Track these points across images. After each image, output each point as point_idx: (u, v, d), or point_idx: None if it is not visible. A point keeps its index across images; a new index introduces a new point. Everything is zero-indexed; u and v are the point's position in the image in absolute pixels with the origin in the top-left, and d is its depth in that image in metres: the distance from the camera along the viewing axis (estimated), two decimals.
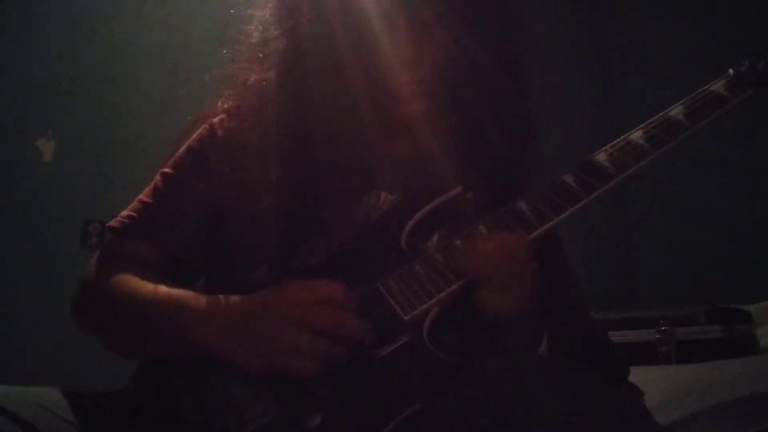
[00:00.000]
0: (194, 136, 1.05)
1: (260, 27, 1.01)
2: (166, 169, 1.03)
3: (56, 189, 2.55)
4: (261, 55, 0.99)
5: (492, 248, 0.83)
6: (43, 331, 2.27)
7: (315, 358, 0.78)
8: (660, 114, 0.98)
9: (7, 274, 2.42)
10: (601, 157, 0.94)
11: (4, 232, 2.46)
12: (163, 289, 0.89)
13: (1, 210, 2.46)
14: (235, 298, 0.85)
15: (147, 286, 0.90)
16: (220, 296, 0.85)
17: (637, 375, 1.07)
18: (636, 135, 0.96)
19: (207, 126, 1.05)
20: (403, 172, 1.00)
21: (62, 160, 2.58)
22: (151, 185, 1.03)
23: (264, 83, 0.98)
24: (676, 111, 0.98)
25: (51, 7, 2.61)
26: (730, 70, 1.03)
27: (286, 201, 0.93)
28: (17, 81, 2.54)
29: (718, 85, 1.01)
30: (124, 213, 1.01)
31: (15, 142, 2.53)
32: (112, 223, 1.01)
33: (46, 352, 2.27)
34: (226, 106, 1.03)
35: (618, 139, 0.96)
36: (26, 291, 2.40)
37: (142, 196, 1.02)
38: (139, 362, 0.91)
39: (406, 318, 0.83)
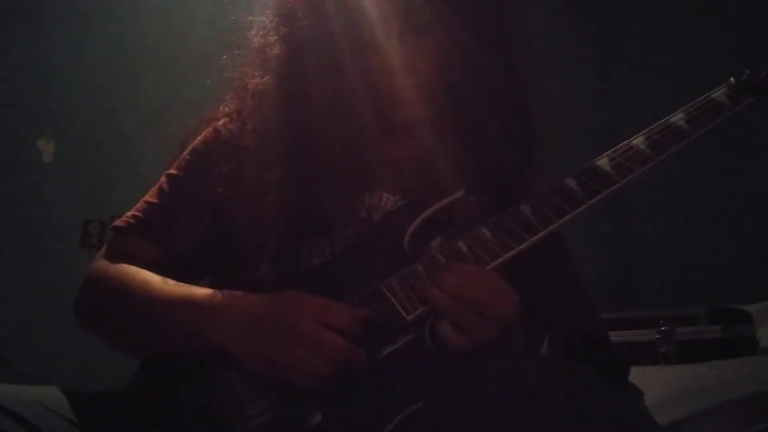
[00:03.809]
0: (199, 138, 1.06)
1: (260, 32, 1.02)
2: (172, 171, 1.04)
3: (56, 189, 2.55)
4: (259, 60, 1.00)
5: (450, 282, 0.81)
6: (43, 330, 2.27)
7: (307, 374, 0.79)
8: (661, 120, 0.98)
9: (7, 274, 2.42)
10: (603, 161, 0.94)
11: (4, 232, 2.46)
12: (171, 282, 0.91)
13: (1, 210, 2.46)
14: (245, 296, 0.86)
15: (155, 279, 0.92)
16: (230, 293, 0.87)
17: (637, 375, 1.07)
18: (638, 140, 0.96)
19: (211, 129, 1.06)
20: (404, 173, 1.01)
21: (62, 160, 2.58)
22: (157, 186, 1.04)
23: (263, 88, 0.98)
24: (677, 117, 0.98)
25: (51, 8, 2.61)
26: (731, 79, 1.03)
27: (288, 201, 0.94)
28: (17, 81, 2.54)
29: (719, 93, 1.01)
30: (130, 213, 1.02)
31: (15, 142, 2.53)
32: (118, 222, 1.01)
33: (47, 351, 2.27)
34: (227, 110, 1.04)
35: (620, 145, 0.96)
36: (26, 291, 2.41)
37: (147, 197, 1.03)
38: (140, 362, 0.91)
39: (408, 318, 0.83)
